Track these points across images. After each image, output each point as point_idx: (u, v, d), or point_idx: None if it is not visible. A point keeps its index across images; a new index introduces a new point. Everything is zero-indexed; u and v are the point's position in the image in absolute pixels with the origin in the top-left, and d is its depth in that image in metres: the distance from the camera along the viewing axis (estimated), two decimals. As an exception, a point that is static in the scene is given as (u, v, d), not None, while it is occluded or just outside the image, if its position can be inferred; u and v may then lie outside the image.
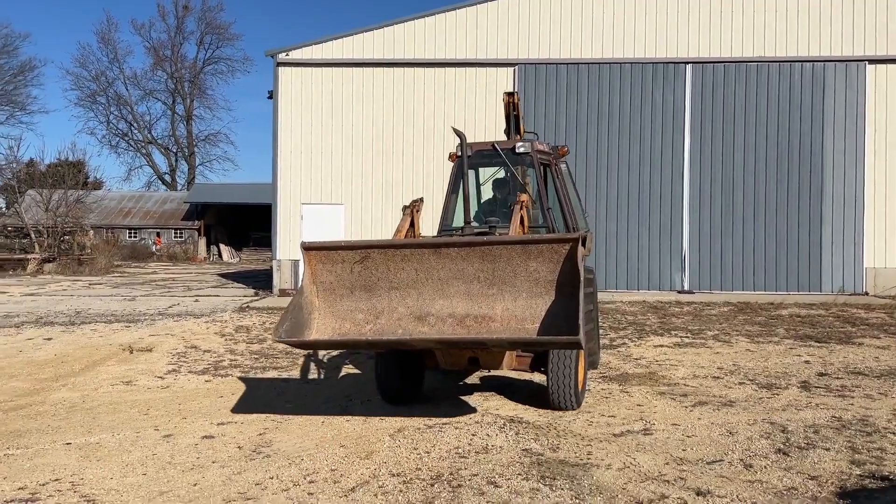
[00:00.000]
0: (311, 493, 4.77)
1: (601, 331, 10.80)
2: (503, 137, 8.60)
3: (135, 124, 65.64)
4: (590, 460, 5.37)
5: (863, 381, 8.19)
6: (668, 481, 4.92)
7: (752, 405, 7.06)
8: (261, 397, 7.71)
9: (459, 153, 7.53)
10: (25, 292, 19.88)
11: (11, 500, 4.69)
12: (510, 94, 8.50)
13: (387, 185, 19.38)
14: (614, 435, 6.05)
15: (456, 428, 6.24)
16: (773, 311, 14.98)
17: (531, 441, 5.85)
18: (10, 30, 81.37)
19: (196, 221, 47.38)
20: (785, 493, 4.72)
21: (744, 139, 19.06)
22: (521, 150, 7.95)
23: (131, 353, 10.29)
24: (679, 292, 18.72)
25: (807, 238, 18.87)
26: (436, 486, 4.87)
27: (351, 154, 19.57)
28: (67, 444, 5.97)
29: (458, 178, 7.97)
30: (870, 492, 4.74)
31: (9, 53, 56.83)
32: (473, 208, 8.00)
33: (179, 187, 62.30)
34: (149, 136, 66.16)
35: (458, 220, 7.74)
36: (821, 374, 8.57)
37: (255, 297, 18.66)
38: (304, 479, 5.05)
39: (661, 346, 10.83)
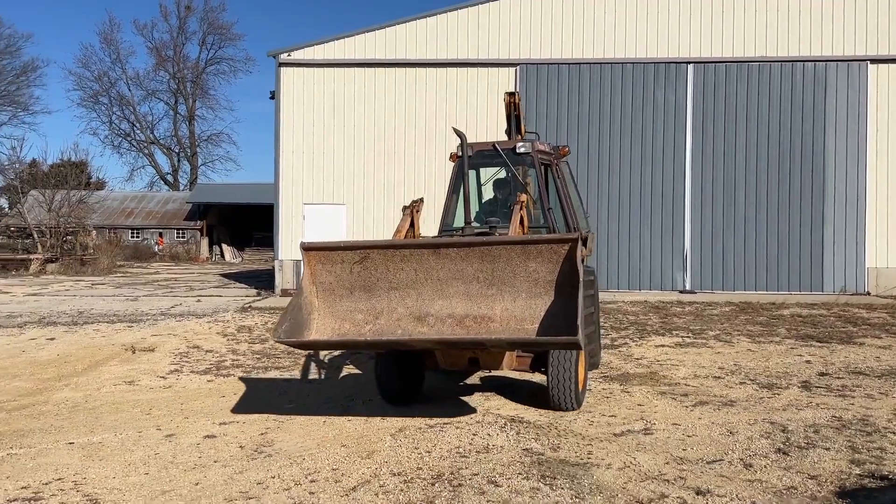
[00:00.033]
0: (313, 493, 4.79)
1: (602, 331, 10.81)
2: (504, 137, 8.59)
3: (137, 124, 65.92)
4: (590, 460, 5.38)
5: (864, 380, 8.20)
6: (668, 481, 4.94)
7: (753, 405, 7.07)
8: (262, 397, 7.73)
9: (460, 153, 7.54)
10: (28, 292, 19.92)
11: (14, 500, 4.72)
12: (511, 94, 8.48)
13: (388, 186, 19.40)
14: (615, 434, 6.07)
15: (457, 428, 6.25)
16: (775, 310, 14.98)
17: (532, 441, 5.87)
18: (13, 30, 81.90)
19: (198, 221, 47.46)
20: (784, 492, 4.73)
21: (745, 139, 19.06)
22: (522, 150, 7.94)
23: (134, 353, 10.32)
24: (681, 292, 18.73)
25: (808, 238, 18.87)
26: (437, 485, 4.89)
27: (353, 154, 19.60)
28: (70, 443, 5.99)
29: (458, 179, 7.96)
30: (869, 491, 4.75)
31: (12, 54, 57.20)
32: (474, 208, 8.01)
33: (182, 187, 62.39)
34: (151, 136, 66.40)
35: (459, 221, 7.73)
36: (822, 374, 8.58)
37: (258, 298, 18.68)
38: (306, 478, 5.07)
39: (663, 345, 10.84)
